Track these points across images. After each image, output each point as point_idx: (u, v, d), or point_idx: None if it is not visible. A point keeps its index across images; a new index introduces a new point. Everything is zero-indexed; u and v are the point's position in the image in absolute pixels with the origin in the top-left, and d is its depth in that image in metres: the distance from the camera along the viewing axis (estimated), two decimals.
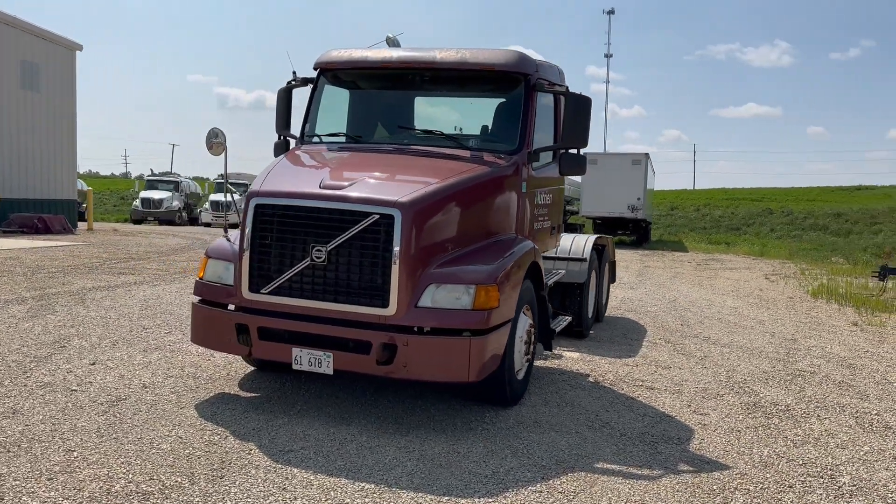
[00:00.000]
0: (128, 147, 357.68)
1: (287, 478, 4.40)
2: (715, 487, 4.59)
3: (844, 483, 4.76)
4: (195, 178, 51.08)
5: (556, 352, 8.03)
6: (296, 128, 7.09)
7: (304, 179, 5.84)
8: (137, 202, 38.78)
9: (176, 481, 4.27)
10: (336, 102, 7.12)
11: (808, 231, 39.21)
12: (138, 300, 10.26)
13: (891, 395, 7.06)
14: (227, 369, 6.74)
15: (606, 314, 10.92)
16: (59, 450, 4.63)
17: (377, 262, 5.22)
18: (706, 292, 14.99)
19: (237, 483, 4.29)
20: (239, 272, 5.51)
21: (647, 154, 29.61)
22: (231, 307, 5.74)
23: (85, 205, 30.76)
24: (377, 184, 5.56)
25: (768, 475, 4.83)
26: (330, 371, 5.29)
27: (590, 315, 9.37)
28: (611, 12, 60.33)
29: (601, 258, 10.10)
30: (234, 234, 6.12)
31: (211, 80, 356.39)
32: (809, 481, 4.77)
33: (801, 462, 5.12)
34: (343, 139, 6.78)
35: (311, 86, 7.00)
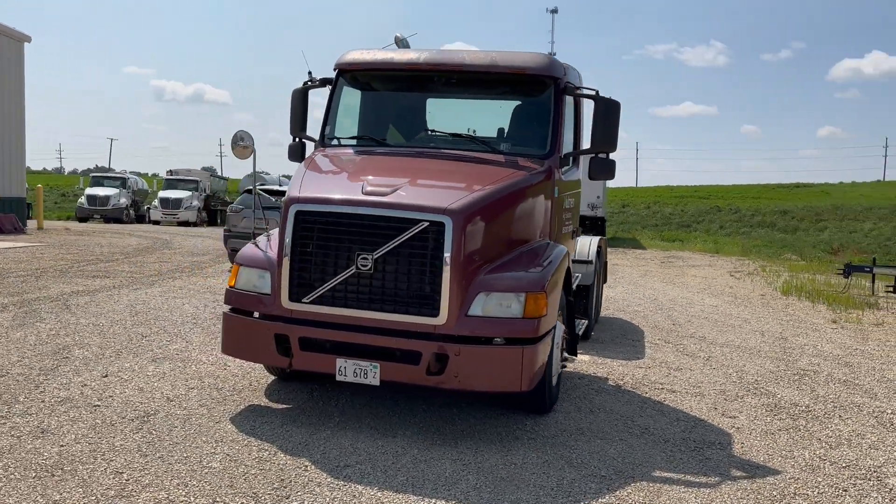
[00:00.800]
0: (61, 141, 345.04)
1: (354, 495, 4.27)
2: (775, 493, 4.63)
3: (895, 486, 4.86)
4: (133, 174, 49.56)
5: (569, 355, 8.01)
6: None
7: (344, 185, 5.67)
8: (83, 199, 37.47)
9: (241, 502, 4.09)
10: (355, 104, 6.95)
11: (757, 228, 40.39)
12: (125, 305, 9.86)
13: None
14: (248, 379, 6.52)
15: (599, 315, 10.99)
16: (107, 472, 4.39)
17: (426, 270, 5.10)
18: (681, 290, 15.25)
19: (305, 502, 4.14)
20: (278, 280, 5.32)
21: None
22: (256, 314, 5.55)
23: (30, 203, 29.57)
24: (423, 190, 5.43)
25: (819, 479, 4.90)
26: (376, 382, 5.16)
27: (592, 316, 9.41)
28: (554, 11, 59.73)
29: (599, 259, 10.15)
30: (260, 239, 5.92)
31: (147, 73, 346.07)
32: (860, 484, 4.86)
33: (843, 465, 5.21)
34: (368, 142, 6.61)
35: (330, 87, 6.81)
